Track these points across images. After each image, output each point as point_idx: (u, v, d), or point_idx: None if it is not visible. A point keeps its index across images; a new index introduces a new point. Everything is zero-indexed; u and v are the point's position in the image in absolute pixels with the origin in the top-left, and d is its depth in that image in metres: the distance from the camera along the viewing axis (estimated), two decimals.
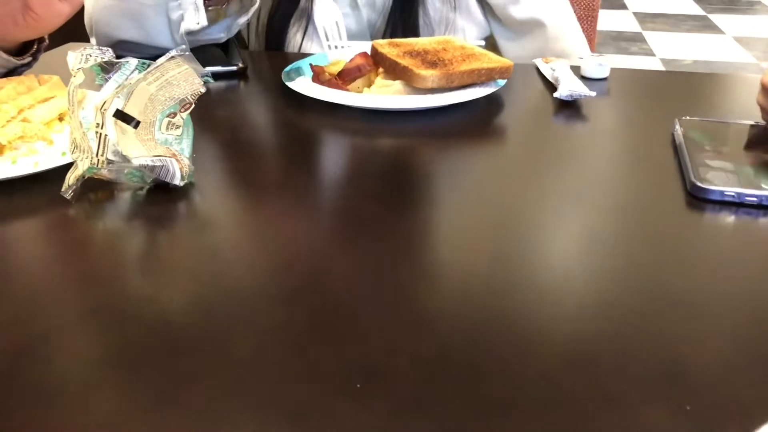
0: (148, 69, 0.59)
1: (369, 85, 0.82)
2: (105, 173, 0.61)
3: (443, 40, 0.89)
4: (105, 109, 0.57)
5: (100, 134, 0.57)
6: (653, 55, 4.08)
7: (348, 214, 0.59)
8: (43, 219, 0.59)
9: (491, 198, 0.63)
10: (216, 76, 0.92)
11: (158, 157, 0.59)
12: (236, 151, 0.73)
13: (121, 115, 0.58)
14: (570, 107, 0.83)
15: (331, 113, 0.79)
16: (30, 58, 0.89)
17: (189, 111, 0.64)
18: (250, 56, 1.06)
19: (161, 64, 0.59)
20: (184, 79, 0.61)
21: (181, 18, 0.91)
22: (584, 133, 0.78)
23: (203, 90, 0.63)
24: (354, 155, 0.74)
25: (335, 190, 0.65)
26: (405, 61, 0.80)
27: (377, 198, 0.62)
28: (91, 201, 0.62)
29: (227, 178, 0.67)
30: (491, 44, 1.21)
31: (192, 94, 0.63)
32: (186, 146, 0.64)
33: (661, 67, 3.84)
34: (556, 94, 0.83)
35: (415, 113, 0.78)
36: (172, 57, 0.59)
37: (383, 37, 1.07)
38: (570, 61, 1.00)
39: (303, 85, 0.81)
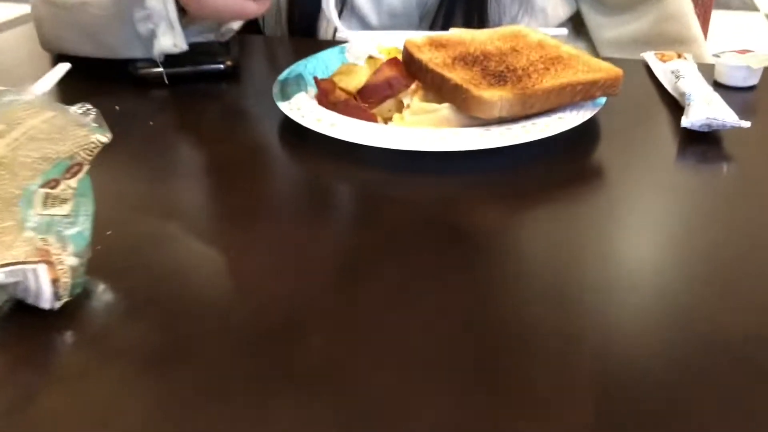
0: None
1: (399, 108, 0.55)
2: None
3: (511, 33, 0.60)
4: None
5: None
6: (756, 9, 3.63)
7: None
8: None
9: (572, 289, 0.37)
10: (195, 77, 0.66)
11: (10, 267, 0.35)
12: (187, 218, 0.47)
13: None
14: (705, 141, 0.55)
15: (345, 148, 0.52)
16: None
17: (82, 174, 0.38)
18: (262, 43, 0.80)
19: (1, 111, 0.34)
20: (58, 130, 0.36)
21: (153, 34, 0.65)
22: (730, 190, 0.50)
23: (105, 140, 0.38)
24: (378, 218, 0.47)
25: (349, 284, 0.39)
26: (456, 74, 0.52)
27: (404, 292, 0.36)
28: None
29: (159, 274, 0.42)
30: (578, 22, 0.91)
31: (85, 150, 0.38)
32: (83, 229, 0.39)
33: (766, 23, 3.40)
34: (684, 122, 0.55)
35: (470, 153, 0.51)
36: (16, 100, 0.34)
37: (435, 21, 0.79)
38: (697, 56, 0.71)
39: (303, 107, 0.55)
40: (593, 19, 0.89)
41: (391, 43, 0.62)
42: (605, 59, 0.58)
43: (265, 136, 0.58)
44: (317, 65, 0.62)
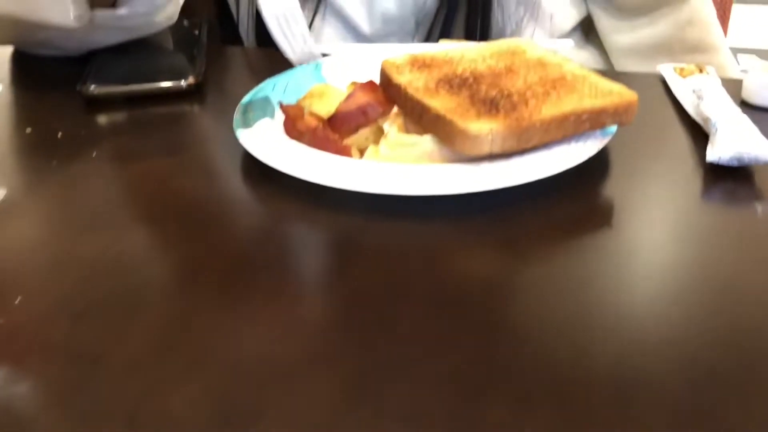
0: None
1: (378, 137, 0.48)
2: None
3: (507, 49, 0.52)
4: None
5: None
6: None
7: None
8: None
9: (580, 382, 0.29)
10: (153, 96, 0.58)
11: None
12: (117, 280, 0.40)
13: None
14: (735, 177, 0.47)
15: (314, 185, 0.45)
16: None
17: None
18: (236, 56, 0.73)
19: None
20: None
21: None
22: (766, 236, 0.42)
23: None
24: (344, 281, 0.40)
25: (298, 377, 0.32)
26: (439, 102, 0.45)
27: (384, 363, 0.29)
28: None
29: (77, 356, 0.35)
30: (587, 26, 0.84)
31: None
32: None
33: None
34: (710, 156, 0.47)
35: (456, 195, 0.43)
36: None
37: (433, 26, 0.71)
38: (719, 66, 0.63)
39: (265, 136, 0.47)
40: (606, 24, 0.81)
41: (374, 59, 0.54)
42: (618, 74, 0.50)
43: (224, 170, 0.50)
44: (288, 85, 0.54)
